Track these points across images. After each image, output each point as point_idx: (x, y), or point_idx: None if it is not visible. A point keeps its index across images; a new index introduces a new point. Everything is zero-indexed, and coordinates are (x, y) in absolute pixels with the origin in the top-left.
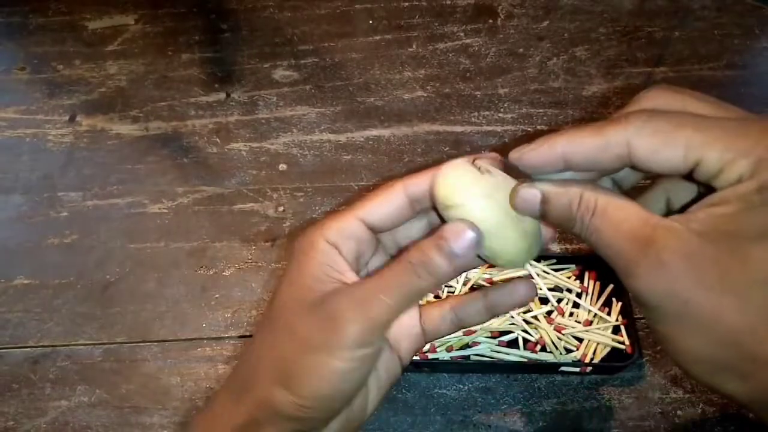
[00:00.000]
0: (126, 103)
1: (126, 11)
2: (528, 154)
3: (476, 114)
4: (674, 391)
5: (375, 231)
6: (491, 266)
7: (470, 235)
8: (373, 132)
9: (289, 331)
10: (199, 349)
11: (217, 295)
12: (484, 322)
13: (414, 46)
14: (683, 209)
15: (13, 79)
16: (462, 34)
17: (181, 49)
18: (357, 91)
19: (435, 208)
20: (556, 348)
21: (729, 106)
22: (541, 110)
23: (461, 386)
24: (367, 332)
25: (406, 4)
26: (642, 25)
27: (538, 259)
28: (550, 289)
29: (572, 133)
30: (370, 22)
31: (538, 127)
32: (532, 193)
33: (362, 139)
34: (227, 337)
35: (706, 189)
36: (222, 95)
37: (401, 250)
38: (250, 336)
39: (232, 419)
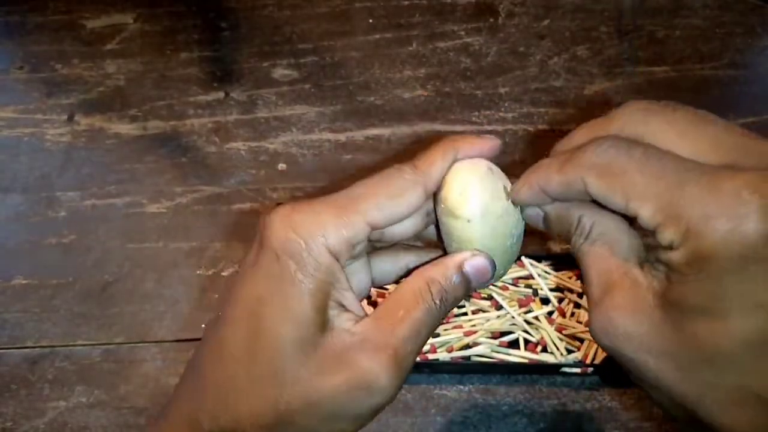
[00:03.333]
0: (124, 102)
1: (124, 10)
2: (519, 194)
3: (477, 113)
4: None
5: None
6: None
7: (490, 274)
8: (373, 131)
9: (280, 370)
10: None
11: (216, 296)
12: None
13: (414, 45)
14: None
15: (12, 78)
16: (462, 32)
17: (180, 47)
18: (357, 90)
19: (434, 200)
20: (557, 349)
21: (704, 125)
22: (542, 109)
23: (462, 387)
24: (396, 385)
25: (406, 2)
26: (643, 24)
27: (539, 260)
28: (551, 290)
29: (543, 170)
30: (370, 20)
31: (539, 126)
32: (535, 213)
33: (362, 139)
34: None
35: None
36: (221, 94)
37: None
38: None
39: None
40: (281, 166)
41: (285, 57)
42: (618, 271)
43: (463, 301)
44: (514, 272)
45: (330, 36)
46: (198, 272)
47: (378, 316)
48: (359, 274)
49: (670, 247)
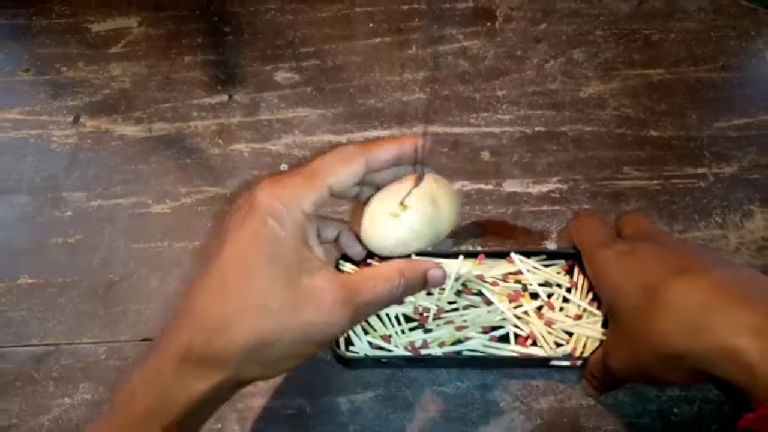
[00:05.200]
0: (129, 104)
1: (129, 14)
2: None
3: (475, 115)
4: (671, 388)
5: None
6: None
7: (443, 281)
8: (373, 133)
9: (268, 302)
10: None
11: None
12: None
13: (413, 49)
14: None
15: (18, 80)
16: (461, 36)
17: (184, 51)
18: (357, 93)
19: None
20: (547, 342)
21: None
22: (538, 112)
23: (460, 383)
24: (347, 328)
25: (406, 7)
26: (638, 28)
27: (528, 255)
28: (540, 285)
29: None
30: (371, 25)
31: (536, 128)
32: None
33: (362, 140)
34: None
35: None
36: (224, 97)
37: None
38: None
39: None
40: (283, 167)
41: (287, 60)
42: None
43: (455, 297)
44: (504, 268)
45: (331, 40)
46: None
47: (354, 279)
48: (322, 233)
49: None
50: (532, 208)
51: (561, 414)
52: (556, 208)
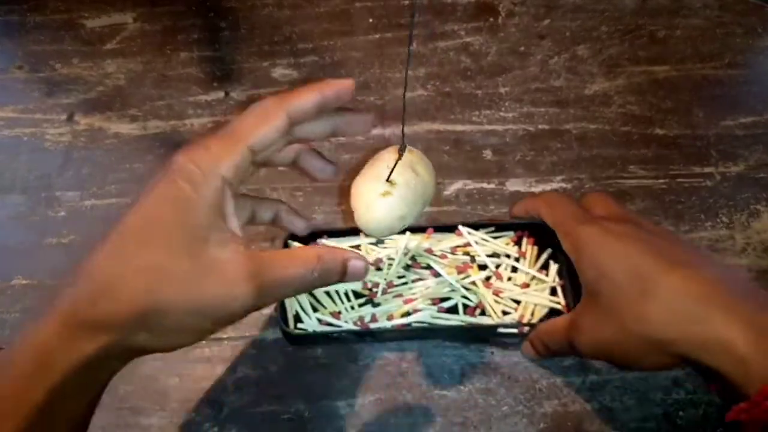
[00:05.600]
0: (124, 102)
1: (124, 10)
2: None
3: (477, 113)
4: (676, 392)
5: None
6: (429, 237)
7: (363, 275)
8: (373, 131)
9: (165, 266)
10: (197, 350)
11: None
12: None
13: (414, 45)
14: None
15: (11, 77)
16: (463, 32)
17: (180, 47)
18: (357, 90)
19: None
20: (494, 311)
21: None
22: (542, 109)
23: (462, 387)
24: (251, 307)
25: (406, 2)
26: (644, 24)
27: (476, 228)
28: (488, 256)
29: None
30: (370, 20)
31: (540, 126)
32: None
33: (362, 139)
34: (226, 339)
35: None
36: (221, 94)
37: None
38: (249, 337)
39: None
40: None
41: (285, 57)
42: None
43: (403, 271)
44: (452, 241)
45: (330, 36)
46: None
47: (266, 255)
48: (244, 210)
49: None
50: None
51: (564, 418)
52: None
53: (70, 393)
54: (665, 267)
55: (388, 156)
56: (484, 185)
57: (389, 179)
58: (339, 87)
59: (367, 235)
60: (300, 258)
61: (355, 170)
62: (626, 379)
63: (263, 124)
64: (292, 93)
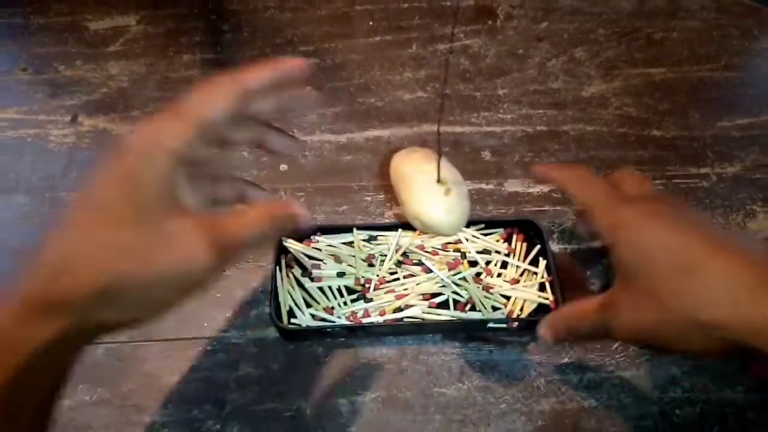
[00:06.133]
0: (127, 103)
1: (127, 12)
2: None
3: (476, 115)
4: (673, 390)
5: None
6: (421, 234)
7: (308, 219)
8: (374, 132)
9: (122, 240)
10: (200, 349)
11: (218, 295)
12: None
13: (414, 47)
14: None
15: (15, 79)
16: (462, 35)
17: (182, 50)
18: (357, 92)
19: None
20: (484, 307)
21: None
22: (540, 111)
23: (461, 385)
24: (212, 271)
25: (406, 5)
26: (641, 26)
27: (468, 225)
28: (478, 252)
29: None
30: (371, 23)
31: (538, 127)
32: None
33: (362, 140)
34: (228, 337)
35: None
36: None
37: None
38: (250, 335)
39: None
40: (283, 166)
41: None
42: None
43: (395, 267)
44: (444, 239)
45: (331, 38)
46: None
47: (222, 223)
48: (203, 190)
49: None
50: (534, 208)
51: (562, 415)
52: (558, 208)
53: (34, 376)
54: (711, 249)
55: (411, 160)
56: (483, 186)
57: (440, 180)
58: (291, 65)
59: (440, 235)
60: (253, 219)
61: (355, 170)
62: (623, 378)
63: (214, 99)
64: (245, 70)
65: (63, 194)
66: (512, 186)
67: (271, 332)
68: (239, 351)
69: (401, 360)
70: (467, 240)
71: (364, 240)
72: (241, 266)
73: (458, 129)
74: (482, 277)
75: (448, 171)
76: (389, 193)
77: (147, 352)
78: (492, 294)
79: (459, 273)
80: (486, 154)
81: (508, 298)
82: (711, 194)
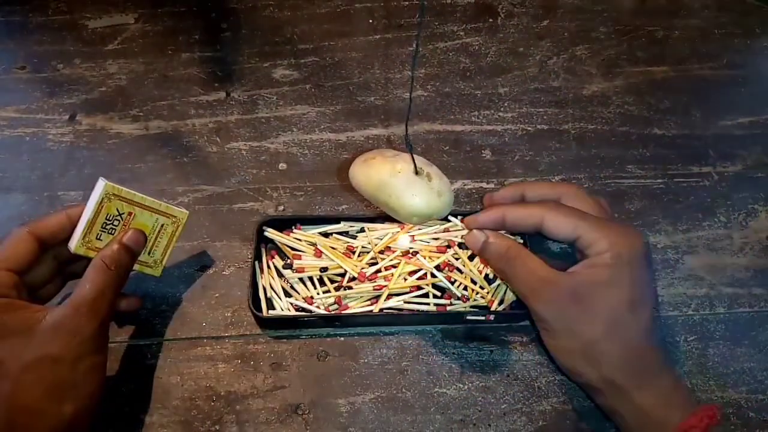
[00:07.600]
0: (126, 102)
1: (126, 10)
2: (482, 219)
3: (476, 113)
4: None
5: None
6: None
7: (143, 242)
8: (373, 131)
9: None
10: (199, 348)
11: (217, 295)
12: None
13: (414, 45)
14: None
15: (13, 78)
16: (462, 33)
17: (181, 48)
18: (357, 90)
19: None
20: (464, 298)
21: (603, 208)
22: (541, 109)
23: (461, 385)
24: (95, 329)
25: (406, 3)
26: (642, 24)
27: (455, 214)
28: (459, 246)
29: (509, 207)
30: (370, 21)
31: (538, 126)
32: (479, 235)
33: (362, 139)
34: (227, 336)
35: (580, 254)
36: (222, 94)
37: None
38: (250, 335)
39: None
40: (282, 165)
41: (285, 57)
42: (550, 273)
43: (376, 258)
44: (429, 230)
45: (330, 36)
46: (199, 271)
47: (77, 299)
48: (52, 283)
49: (599, 253)
50: None
51: (563, 416)
52: None
53: None
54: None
55: (376, 167)
56: (484, 185)
57: (417, 170)
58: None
59: (439, 219)
60: (91, 270)
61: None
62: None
63: (15, 251)
64: (40, 218)
65: (61, 193)
66: None
67: (271, 332)
68: (238, 351)
69: (401, 360)
70: (446, 231)
71: (340, 233)
72: (240, 265)
73: (458, 127)
74: (463, 268)
75: (416, 159)
76: None
77: (146, 352)
78: (473, 285)
79: (439, 265)
80: (487, 153)
81: (488, 285)
82: (713, 193)
